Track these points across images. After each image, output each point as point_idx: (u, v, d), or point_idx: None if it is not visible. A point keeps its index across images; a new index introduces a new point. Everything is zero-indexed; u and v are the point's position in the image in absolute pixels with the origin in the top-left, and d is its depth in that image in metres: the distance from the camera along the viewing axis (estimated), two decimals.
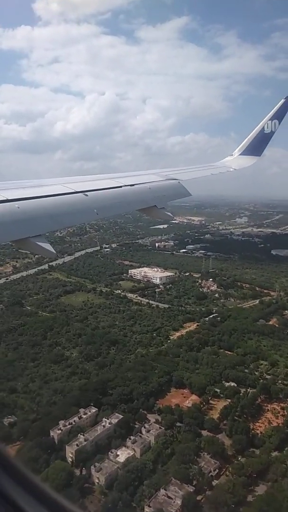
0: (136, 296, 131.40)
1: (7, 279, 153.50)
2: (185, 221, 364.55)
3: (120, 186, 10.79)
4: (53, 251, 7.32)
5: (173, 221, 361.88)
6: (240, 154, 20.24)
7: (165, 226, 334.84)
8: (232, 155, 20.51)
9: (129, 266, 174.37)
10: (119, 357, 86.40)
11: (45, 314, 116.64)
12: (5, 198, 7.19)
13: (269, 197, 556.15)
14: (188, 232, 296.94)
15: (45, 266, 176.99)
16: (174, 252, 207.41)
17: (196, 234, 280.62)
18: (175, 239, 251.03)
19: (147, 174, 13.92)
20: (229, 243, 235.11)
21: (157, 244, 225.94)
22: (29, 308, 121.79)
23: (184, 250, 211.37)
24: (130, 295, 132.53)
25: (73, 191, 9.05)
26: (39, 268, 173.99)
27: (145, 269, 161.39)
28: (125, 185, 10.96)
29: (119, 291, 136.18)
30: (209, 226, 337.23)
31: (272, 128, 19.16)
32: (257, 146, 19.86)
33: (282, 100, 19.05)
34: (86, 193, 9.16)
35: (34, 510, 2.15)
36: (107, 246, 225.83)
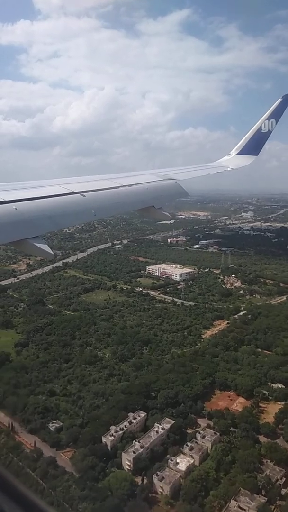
0: (159, 294, 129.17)
1: (17, 278, 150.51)
2: (191, 216, 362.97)
3: (118, 187, 10.68)
4: (51, 252, 7.09)
5: (179, 216, 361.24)
6: (237, 154, 20.16)
7: (172, 221, 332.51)
8: (229, 154, 20.45)
9: (144, 263, 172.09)
10: (155, 357, 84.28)
11: (69, 312, 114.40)
12: (3, 200, 7.07)
13: (269, 191, 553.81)
14: (197, 227, 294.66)
15: (59, 264, 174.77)
16: (187, 248, 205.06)
17: (205, 229, 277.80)
18: (186, 235, 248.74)
19: (145, 174, 13.78)
20: (241, 238, 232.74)
21: (169, 240, 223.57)
22: (51, 306, 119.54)
23: (197, 246, 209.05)
24: (152, 292, 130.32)
25: (71, 192, 8.93)
26: (53, 265, 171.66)
27: (163, 265, 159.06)
28: (123, 186, 10.84)
29: (140, 289, 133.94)
30: (216, 221, 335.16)
31: (269, 128, 19.09)
32: (254, 146, 19.79)
33: (279, 99, 18.92)
34: (83, 194, 9.02)
35: None
36: (118, 242, 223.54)
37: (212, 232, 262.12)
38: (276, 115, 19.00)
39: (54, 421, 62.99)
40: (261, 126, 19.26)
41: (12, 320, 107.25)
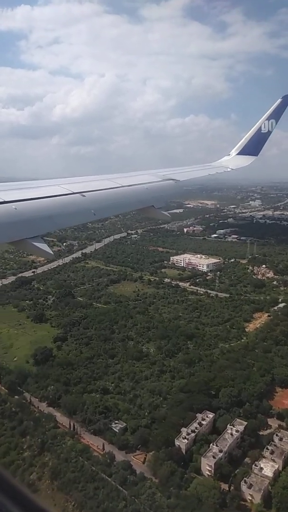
0: (190, 285, 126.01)
1: (35, 269, 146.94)
2: (199, 205, 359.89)
3: (118, 187, 10.64)
4: (50, 252, 7.07)
5: (187, 205, 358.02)
6: (237, 154, 19.89)
7: (181, 210, 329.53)
8: (229, 154, 20.17)
9: (165, 253, 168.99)
10: (203, 353, 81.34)
11: (100, 305, 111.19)
12: (2, 200, 7.03)
13: (270, 180, 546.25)
14: (207, 216, 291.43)
15: (78, 254, 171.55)
16: (206, 237, 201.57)
17: (217, 218, 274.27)
18: (200, 224, 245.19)
19: (144, 174, 13.67)
20: (257, 227, 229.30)
21: (185, 229, 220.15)
22: (80, 299, 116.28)
23: (215, 235, 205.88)
24: (181, 283, 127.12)
25: (71, 192, 8.86)
26: (73, 256, 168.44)
27: (188, 255, 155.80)
28: (123, 186, 10.81)
29: (168, 280, 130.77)
30: (225, 210, 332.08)
31: (269, 128, 18.84)
32: (254, 146, 19.54)
33: (279, 100, 18.63)
34: (83, 194, 8.96)
35: None
36: (133, 232, 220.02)
37: (225, 221, 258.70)
38: (276, 115, 18.65)
39: (116, 422, 60.15)
40: (261, 127, 18.93)
41: (45, 313, 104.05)
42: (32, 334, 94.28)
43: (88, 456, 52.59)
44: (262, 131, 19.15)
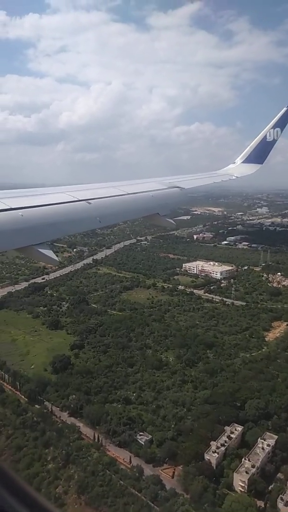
0: (204, 293, 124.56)
1: (44, 278, 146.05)
2: (206, 212, 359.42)
3: (123, 194, 10.60)
4: (56, 258, 7.21)
5: (195, 212, 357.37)
6: (242, 162, 19.94)
7: (188, 217, 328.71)
8: (234, 162, 20.23)
9: (176, 260, 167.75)
10: (224, 362, 79.74)
11: (115, 312, 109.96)
12: (9, 207, 7.06)
13: (274, 187, 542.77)
14: (215, 223, 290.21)
15: (89, 260, 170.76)
16: (216, 244, 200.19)
17: (225, 225, 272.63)
18: (209, 231, 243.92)
19: (150, 182, 13.75)
20: (268, 234, 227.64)
21: (195, 236, 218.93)
22: (95, 305, 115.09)
23: (225, 242, 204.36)
24: (196, 291, 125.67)
25: (77, 199, 8.90)
26: (83, 262, 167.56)
27: (200, 263, 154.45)
28: (128, 193, 10.77)
29: (181, 287, 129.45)
30: (233, 217, 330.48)
31: (274, 136, 18.83)
32: (259, 154, 19.56)
33: (284, 109, 18.55)
34: (89, 201, 8.97)
35: None
36: (142, 238, 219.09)
37: (234, 228, 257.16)
38: (281, 124, 18.63)
39: (141, 433, 58.63)
40: (266, 135, 18.87)
41: (60, 320, 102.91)
42: (48, 341, 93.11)
43: (116, 470, 51.09)
44: (267, 140, 19.08)
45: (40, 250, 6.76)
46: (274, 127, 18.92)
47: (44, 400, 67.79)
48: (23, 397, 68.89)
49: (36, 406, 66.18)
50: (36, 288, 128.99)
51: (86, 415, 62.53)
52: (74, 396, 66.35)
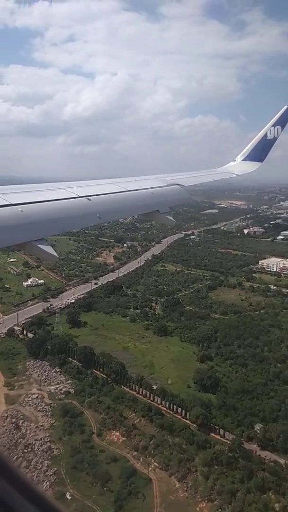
0: None
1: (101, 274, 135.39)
2: (230, 205, 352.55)
3: (123, 191, 10.51)
4: (55, 254, 7.14)
5: (219, 205, 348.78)
6: (242, 160, 19.88)
7: (216, 211, 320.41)
8: (234, 160, 20.23)
9: (242, 256, 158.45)
10: None
11: (217, 316, 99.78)
12: (9, 202, 6.97)
13: (275, 181, 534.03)
14: (248, 216, 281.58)
15: (146, 256, 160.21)
16: (274, 239, 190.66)
17: (262, 219, 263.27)
18: (253, 225, 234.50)
19: (150, 179, 13.71)
20: None
21: (245, 231, 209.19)
22: (189, 307, 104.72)
23: (281, 237, 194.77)
24: None
25: (76, 195, 8.78)
26: (144, 258, 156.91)
27: (276, 259, 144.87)
28: (128, 190, 10.67)
29: (274, 287, 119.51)
30: (259, 211, 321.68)
31: (275, 134, 18.80)
32: (260, 152, 19.51)
33: (286, 106, 18.41)
34: (89, 197, 8.87)
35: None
36: (189, 233, 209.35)
37: (276, 222, 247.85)
38: (282, 122, 18.67)
39: None
40: (266, 133, 18.92)
41: (166, 325, 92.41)
42: (166, 350, 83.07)
43: None
44: (268, 138, 18.96)
45: (40, 246, 6.56)
46: (274, 125, 18.69)
47: (217, 426, 57.42)
48: (188, 422, 58.47)
49: (212, 434, 55.86)
50: (115, 287, 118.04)
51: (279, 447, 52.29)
52: (261, 425, 55.80)
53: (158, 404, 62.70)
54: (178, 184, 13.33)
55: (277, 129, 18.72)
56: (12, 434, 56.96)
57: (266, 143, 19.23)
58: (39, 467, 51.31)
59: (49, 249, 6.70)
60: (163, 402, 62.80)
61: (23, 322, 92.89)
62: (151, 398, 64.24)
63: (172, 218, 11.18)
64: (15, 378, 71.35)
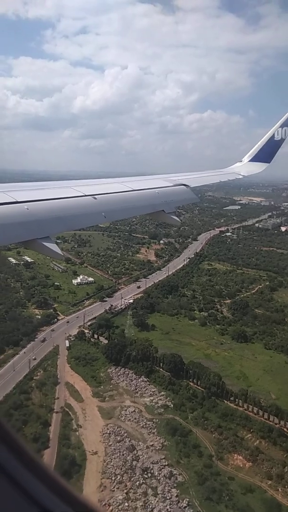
0: None
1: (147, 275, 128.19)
2: (251, 202, 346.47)
3: (129, 191, 10.33)
4: (60, 253, 6.84)
5: (240, 202, 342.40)
6: (249, 161, 19.74)
7: (239, 207, 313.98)
8: (241, 161, 20.12)
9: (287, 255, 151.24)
10: None
11: None
12: (15, 200, 6.93)
13: (282, 178, 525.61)
14: (275, 213, 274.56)
15: (187, 253, 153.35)
16: None
17: None
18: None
19: (156, 179, 13.42)
20: None
21: (283, 228, 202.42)
22: (258, 311, 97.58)
23: None
24: None
25: (82, 194, 8.63)
26: (185, 256, 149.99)
27: None
28: (134, 190, 10.47)
29: None
30: (282, 207, 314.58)
31: (283, 135, 18.67)
32: (267, 153, 19.36)
33: None
34: (95, 196, 8.73)
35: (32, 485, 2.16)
36: (223, 230, 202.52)
37: None
38: None
39: None
40: (274, 134, 18.70)
41: (246, 331, 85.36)
42: (253, 359, 75.94)
43: None
44: (275, 139, 18.66)
45: (45, 244, 6.44)
46: (282, 126, 18.39)
47: None
48: None
49: None
50: (171, 287, 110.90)
51: None
52: None
53: (276, 424, 55.57)
54: (184, 185, 13.21)
55: (285, 130, 18.55)
56: (124, 455, 49.94)
57: (273, 144, 19.01)
58: (168, 497, 44.36)
59: (53, 246, 6.46)
60: (281, 422, 55.70)
61: (88, 323, 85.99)
62: (265, 416, 57.13)
63: (177, 218, 10.87)
64: (102, 387, 64.40)
